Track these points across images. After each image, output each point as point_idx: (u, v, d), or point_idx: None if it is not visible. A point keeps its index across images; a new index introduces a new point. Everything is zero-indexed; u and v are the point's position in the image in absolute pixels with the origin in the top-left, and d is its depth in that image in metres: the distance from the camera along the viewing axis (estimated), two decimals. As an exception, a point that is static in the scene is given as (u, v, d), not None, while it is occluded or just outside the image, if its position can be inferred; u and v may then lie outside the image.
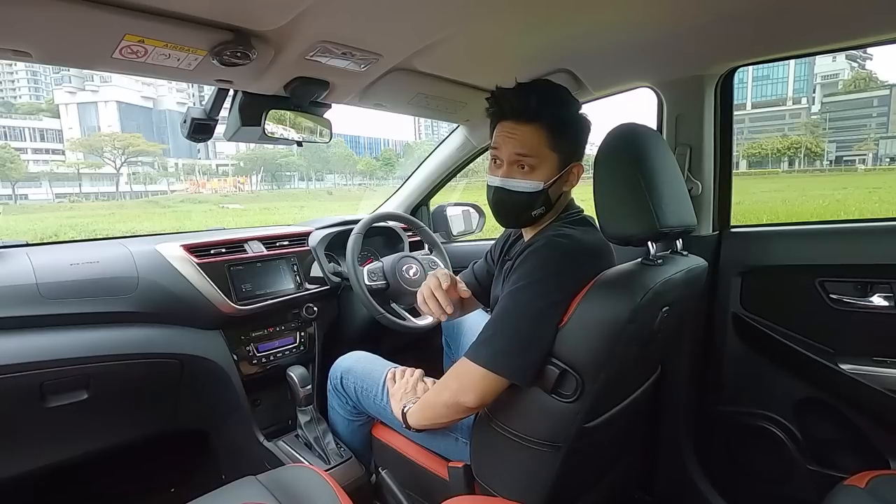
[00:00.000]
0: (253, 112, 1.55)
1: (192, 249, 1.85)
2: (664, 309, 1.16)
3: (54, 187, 43.07)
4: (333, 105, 1.71)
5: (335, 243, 2.24)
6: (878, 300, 1.53)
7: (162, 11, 1.05)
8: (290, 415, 2.06)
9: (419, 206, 2.69)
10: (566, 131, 1.24)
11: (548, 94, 1.25)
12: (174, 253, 1.81)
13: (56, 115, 53.64)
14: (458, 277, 1.54)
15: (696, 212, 1.62)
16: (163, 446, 2.06)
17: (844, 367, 1.53)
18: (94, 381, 1.62)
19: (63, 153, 49.64)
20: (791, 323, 1.64)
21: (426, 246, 2.32)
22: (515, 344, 1.13)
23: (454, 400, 1.21)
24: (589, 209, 1.29)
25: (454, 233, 2.70)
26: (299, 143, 1.70)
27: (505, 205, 1.29)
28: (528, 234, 1.37)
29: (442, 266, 2.21)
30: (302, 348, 2.12)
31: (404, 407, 1.41)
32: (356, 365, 1.71)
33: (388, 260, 2.07)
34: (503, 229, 1.55)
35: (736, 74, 1.68)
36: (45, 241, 1.99)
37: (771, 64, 1.58)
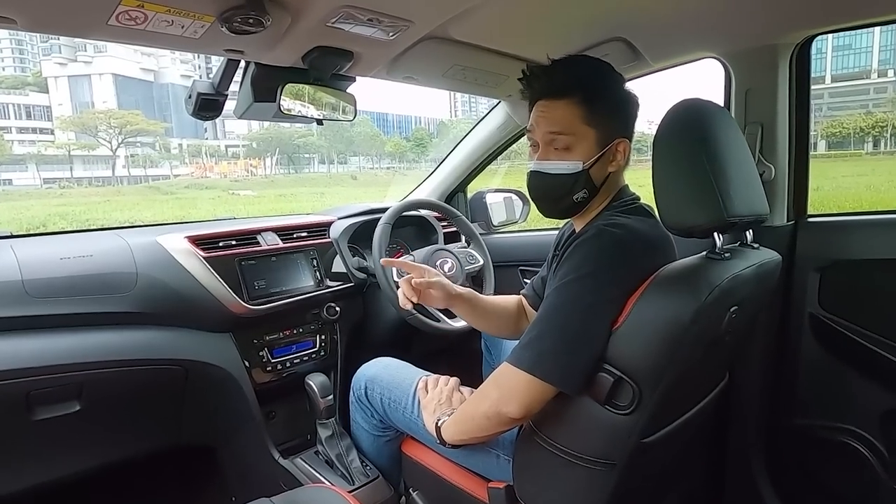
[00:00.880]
0: (267, 86, 1.55)
1: (199, 241, 1.86)
2: (732, 309, 1.16)
3: (42, 171, 42.60)
4: (358, 78, 1.72)
5: (360, 234, 2.24)
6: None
7: None
8: (308, 429, 2.07)
9: (455, 192, 2.70)
10: (604, 104, 1.26)
11: (581, 66, 1.28)
12: (178, 245, 1.82)
13: (44, 90, 53.28)
14: (441, 279, 1.59)
15: (769, 199, 1.59)
16: (165, 464, 2.06)
17: None
18: (87, 390, 1.63)
19: (52, 132, 49.37)
20: (876, 325, 1.62)
21: (463, 238, 2.33)
22: (562, 344, 1.14)
23: (495, 410, 1.21)
24: (647, 197, 1.29)
25: (495, 223, 2.70)
26: (319, 122, 1.71)
27: (542, 190, 1.32)
28: (578, 226, 1.39)
29: (481, 260, 2.22)
30: (322, 353, 2.13)
31: (438, 420, 1.42)
32: (383, 373, 1.72)
33: (421, 253, 2.09)
34: (553, 221, 1.56)
35: (813, 44, 1.67)
36: (31, 232, 2.03)
37: (853, 31, 1.56)
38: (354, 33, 1.39)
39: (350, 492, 1.72)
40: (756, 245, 1.37)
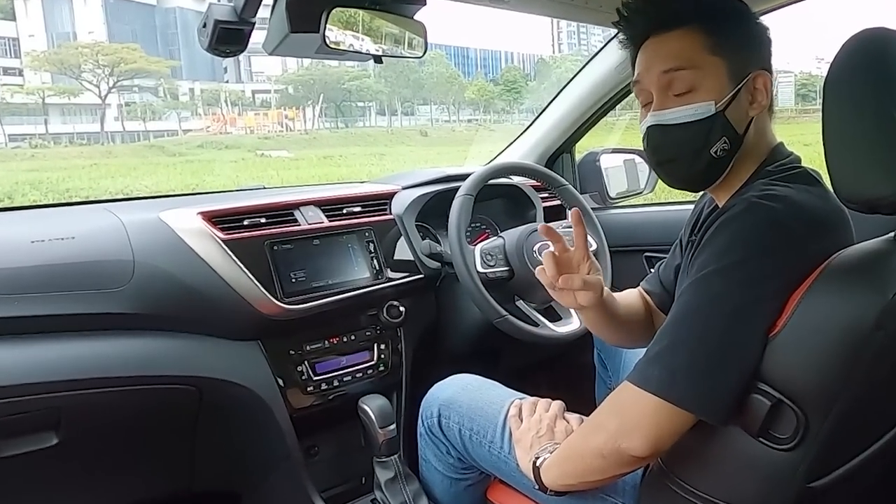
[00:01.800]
0: (307, 11, 1.43)
1: (216, 219, 1.80)
2: None
3: (7, 125, 39.69)
4: (430, 1, 1.58)
5: (432, 210, 2.20)
6: None
7: None
8: (363, 469, 2.03)
9: (559, 153, 2.65)
10: (730, 28, 1.24)
11: None
12: (189, 224, 1.76)
13: (9, 16, 49.25)
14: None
15: None
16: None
17: None
18: (67, 417, 1.58)
19: (20, 73, 46.08)
20: None
21: (569, 214, 2.10)
22: (702, 358, 1.10)
23: (613, 446, 1.16)
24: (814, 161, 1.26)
25: (612, 194, 2.65)
26: (378, 59, 1.59)
27: (667, 149, 1.28)
28: (721, 199, 1.34)
29: (594, 243, 2.14)
30: (381, 369, 2.07)
31: (537, 458, 1.37)
32: (462, 395, 1.66)
33: (513, 235, 2.03)
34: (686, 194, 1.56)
35: None
36: (-8, 206, 1.87)
37: None
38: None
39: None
40: None
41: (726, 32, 1.23)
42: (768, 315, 1.08)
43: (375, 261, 2.03)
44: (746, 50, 1.25)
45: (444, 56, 55.03)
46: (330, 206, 2.04)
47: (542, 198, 2.38)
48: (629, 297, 1.68)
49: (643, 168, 2.72)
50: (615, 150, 2.69)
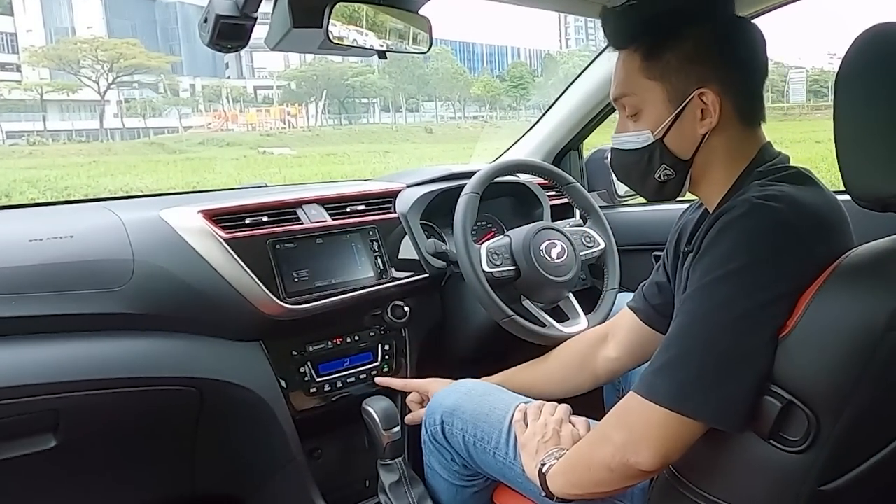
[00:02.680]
0: (310, 6, 1.44)
1: (218, 217, 1.79)
2: None
3: (4, 121, 39.61)
4: None
5: (438, 208, 2.18)
6: None
7: None
8: (367, 472, 2.02)
9: (566, 150, 2.66)
10: (665, 48, 1.24)
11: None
12: (189, 223, 1.75)
13: (7, 12, 49.34)
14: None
15: None
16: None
17: None
18: (65, 420, 1.56)
19: (18, 69, 45.74)
20: None
21: (577, 212, 2.28)
22: (712, 367, 1.09)
23: (620, 460, 1.16)
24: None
25: (621, 192, 2.64)
26: (382, 55, 1.60)
27: (622, 171, 1.40)
28: (711, 201, 1.34)
29: (601, 242, 2.15)
30: (386, 370, 2.06)
31: (543, 464, 1.36)
32: (466, 401, 1.65)
33: (519, 234, 2.00)
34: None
35: None
36: (-11, 204, 1.82)
37: None
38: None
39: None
40: None
41: (659, 53, 1.24)
42: (778, 318, 1.07)
43: (379, 260, 2.03)
44: (686, 68, 1.25)
45: (449, 51, 54.49)
46: (333, 205, 2.03)
47: (549, 196, 2.37)
48: (555, 353, 1.79)
49: (653, 166, 2.73)
50: None
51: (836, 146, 1.07)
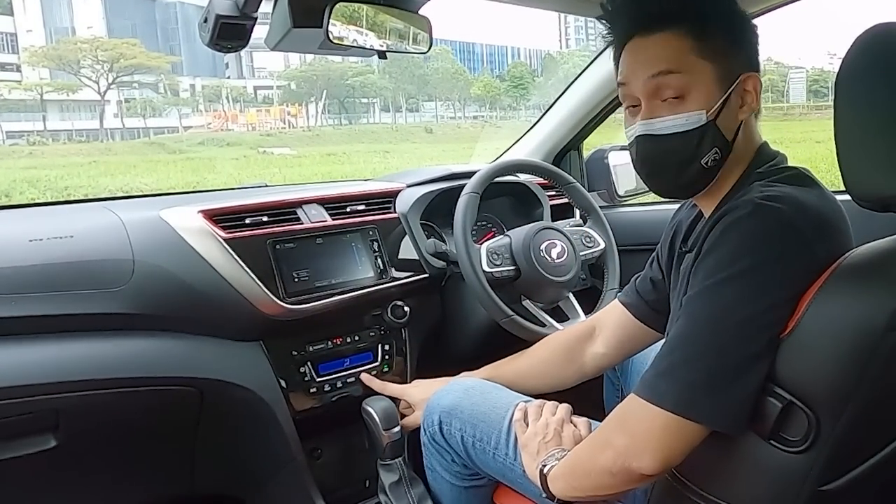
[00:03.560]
0: (310, 6, 1.45)
1: (218, 217, 1.79)
2: None
3: (4, 121, 39.40)
4: None
5: (438, 208, 2.18)
6: None
7: None
8: (367, 472, 2.01)
9: (566, 150, 2.65)
10: (717, 29, 1.22)
11: None
12: (189, 223, 1.75)
13: (7, 12, 48.93)
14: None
15: None
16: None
17: None
18: (66, 420, 1.57)
19: (18, 69, 45.48)
20: None
21: (577, 212, 2.28)
22: (718, 371, 1.08)
23: (622, 464, 1.15)
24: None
25: (620, 192, 2.64)
26: (382, 54, 1.63)
27: (657, 160, 1.27)
28: (706, 207, 1.33)
29: (601, 242, 2.17)
30: (386, 370, 2.06)
31: (543, 465, 1.36)
32: (464, 400, 1.64)
33: (519, 234, 2.02)
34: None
35: None
36: (-11, 204, 1.79)
37: None
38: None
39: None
40: None
41: (714, 34, 1.21)
42: (781, 319, 1.07)
43: (380, 260, 2.03)
44: (734, 52, 1.23)
45: (449, 51, 54.24)
46: (333, 205, 2.03)
47: (549, 196, 2.37)
48: (536, 347, 1.77)
49: (652, 166, 2.73)
50: (623, 148, 2.59)
51: (836, 146, 1.07)
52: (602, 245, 2.16)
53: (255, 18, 1.46)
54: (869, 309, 1.02)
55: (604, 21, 1.30)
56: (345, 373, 1.98)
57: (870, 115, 1.05)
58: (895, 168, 1.02)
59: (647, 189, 2.60)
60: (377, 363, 2.04)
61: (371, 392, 1.98)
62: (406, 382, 2.07)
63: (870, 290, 1.04)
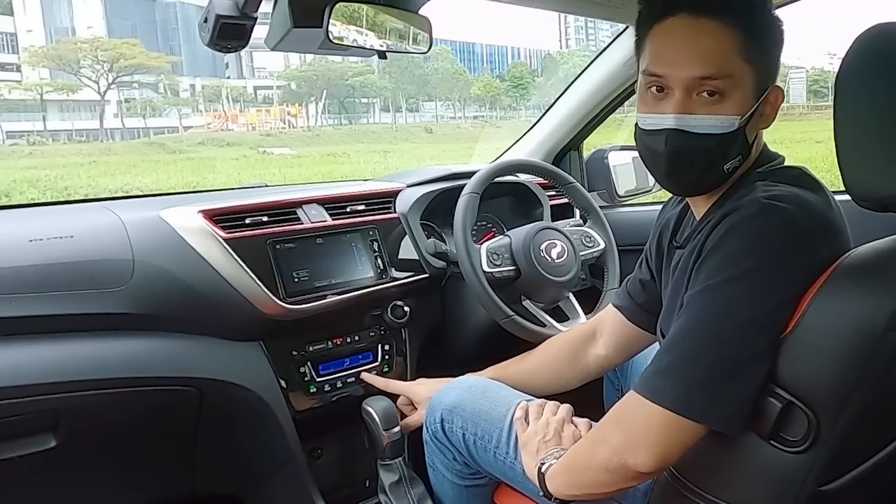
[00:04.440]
0: (310, 6, 1.46)
1: (218, 217, 1.79)
2: None
3: (4, 121, 38.96)
4: None
5: (438, 208, 2.18)
6: None
7: None
8: (367, 472, 2.00)
9: (566, 150, 2.65)
10: (763, 29, 1.19)
11: None
12: (189, 223, 1.75)
13: (7, 12, 48.37)
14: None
15: None
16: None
17: None
18: (65, 420, 1.57)
19: (18, 69, 45.06)
20: None
21: (577, 212, 2.28)
22: (719, 371, 1.08)
23: (618, 461, 1.16)
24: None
25: (620, 192, 2.64)
26: (382, 55, 1.63)
27: (686, 157, 1.20)
28: (700, 205, 1.31)
29: (601, 242, 2.17)
30: (386, 369, 2.05)
31: (542, 464, 1.36)
32: (466, 398, 1.63)
33: (519, 234, 2.02)
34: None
35: None
36: (-11, 204, 1.76)
37: None
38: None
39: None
40: None
41: (760, 34, 1.17)
42: (783, 320, 1.07)
43: (380, 260, 2.03)
44: (770, 58, 1.20)
45: (449, 51, 53.77)
46: (333, 205, 2.03)
47: (549, 196, 2.36)
48: (541, 348, 1.76)
49: (652, 166, 2.73)
50: (623, 148, 2.65)
51: (836, 146, 1.06)
52: (602, 245, 2.16)
53: (255, 18, 1.45)
54: (869, 309, 1.02)
55: None
56: (345, 373, 1.98)
57: (870, 116, 1.05)
58: (895, 168, 1.02)
59: (648, 189, 2.63)
60: (377, 363, 2.04)
61: (372, 391, 1.98)
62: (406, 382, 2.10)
63: (870, 290, 1.04)
